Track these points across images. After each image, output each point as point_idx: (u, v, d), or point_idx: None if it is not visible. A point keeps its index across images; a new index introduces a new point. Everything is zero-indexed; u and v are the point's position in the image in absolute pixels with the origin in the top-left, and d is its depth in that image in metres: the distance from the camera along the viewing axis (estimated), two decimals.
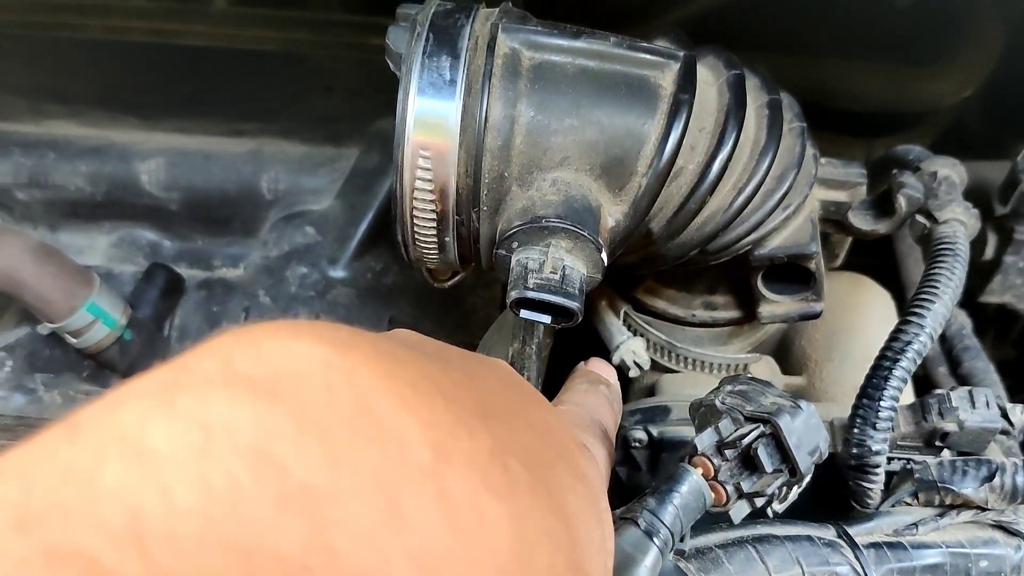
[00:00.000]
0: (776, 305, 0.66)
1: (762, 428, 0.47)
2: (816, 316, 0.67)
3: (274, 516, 0.23)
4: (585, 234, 0.52)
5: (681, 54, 0.55)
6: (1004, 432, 0.60)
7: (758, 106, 0.59)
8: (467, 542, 0.26)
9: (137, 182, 1.11)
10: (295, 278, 1.12)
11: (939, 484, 0.56)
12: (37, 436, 0.23)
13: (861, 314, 0.76)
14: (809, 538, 0.55)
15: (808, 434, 0.47)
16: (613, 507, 0.51)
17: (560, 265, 0.52)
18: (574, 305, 0.52)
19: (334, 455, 0.24)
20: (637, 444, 0.68)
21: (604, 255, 0.53)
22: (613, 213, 0.55)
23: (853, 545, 0.55)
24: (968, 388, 0.59)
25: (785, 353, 0.77)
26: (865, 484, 0.57)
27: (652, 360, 0.72)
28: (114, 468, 0.22)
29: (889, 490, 0.58)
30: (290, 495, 0.23)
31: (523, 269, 0.52)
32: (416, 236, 0.55)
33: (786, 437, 0.47)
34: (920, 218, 0.66)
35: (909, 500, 0.58)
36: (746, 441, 0.47)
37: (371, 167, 1.10)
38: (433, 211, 0.53)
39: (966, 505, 0.57)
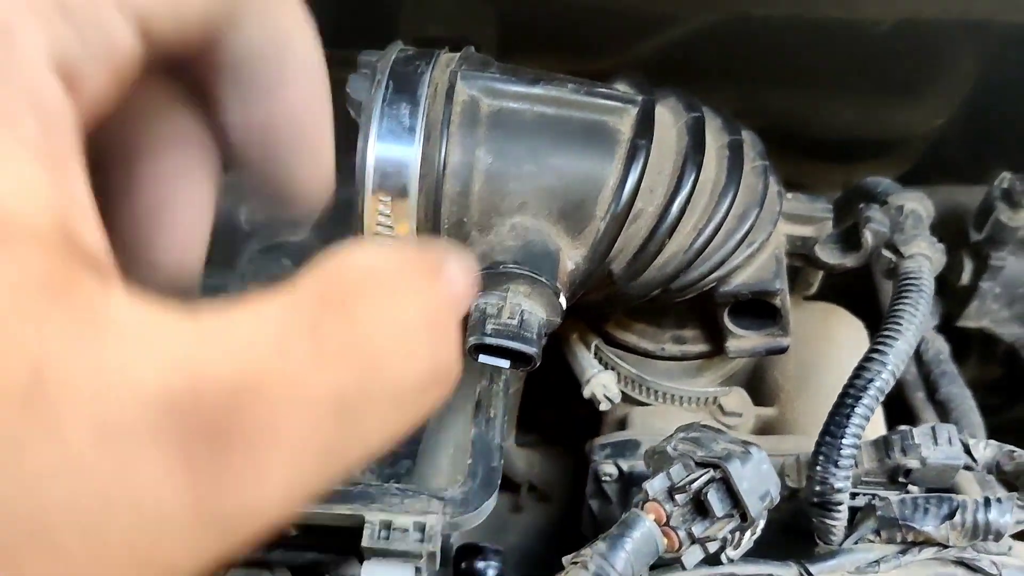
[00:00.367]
0: (743, 340, 0.67)
1: (712, 473, 0.48)
2: (783, 351, 0.68)
3: None
4: (543, 279, 0.53)
5: (640, 99, 0.56)
6: (967, 467, 0.60)
7: (719, 147, 0.60)
8: None
9: None
10: None
11: (900, 521, 0.57)
12: None
13: (834, 345, 0.77)
14: None
15: (759, 479, 0.48)
16: (577, 547, 0.51)
17: (518, 311, 0.53)
18: (531, 351, 0.52)
19: None
20: (607, 478, 0.68)
21: (563, 299, 0.54)
22: (572, 256, 0.56)
23: None
24: (931, 425, 0.60)
25: (758, 384, 0.77)
26: (828, 521, 0.57)
27: (623, 393, 0.73)
28: None
29: (852, 527, 0.58)
30: None
31: (481, 315, 0.53)
32: None
33: (736, 482, 0.47)
34: (886, 252, 0.66)
35: (872, 537, 0.58)
36: (696, 486, 0.48)
37: (348, 199, 1.10)
38: None
39: (928, 542, 0.57)
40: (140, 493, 0.20)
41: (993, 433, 0.69)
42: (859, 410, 0.57)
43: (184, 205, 0.33)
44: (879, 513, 0.57)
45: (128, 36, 0.26)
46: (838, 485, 0.56)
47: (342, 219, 1.13)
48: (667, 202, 0.56)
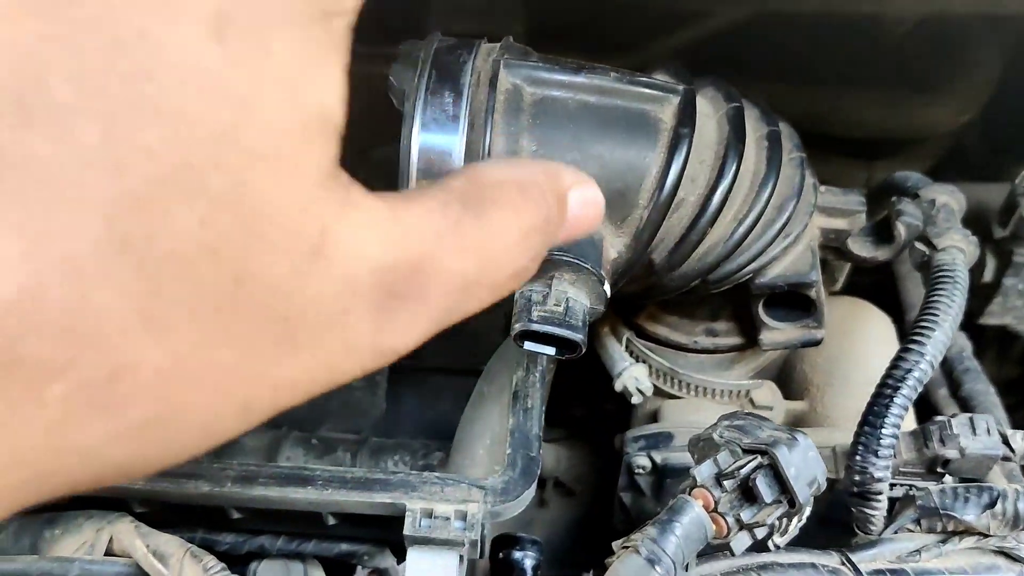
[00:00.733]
0: (777, 332, 0.67)
1: (760, 459, 0.48)
2: (817, 343, 0.68)
3: None
4: (588, 267, 0.53)
5: (681, 88, 0.56)
6: (1005, 458, 0.60)
7: (758, 137, 0.60)
8: None
9: None
10: None
11: (941, 511, 0.57)
12: None
13: (862, 339, 0.77)
14: (813, 566, 0.55)
15: (806, 465, 0.48)
16: (617, 536, 0.51)
17: (563, 298, 0.53)
18: (578, 337, 0.52)
19: None
20: (641, 471, 0.68)
21: (607, 287, 0.54)
22: (615, 245, 0.56)
23: (857, 572, 0.55)
24: (969, 415, 0.60)
25: (787, 378, 0.78)
26: (868, 511, 0.57)
27: (655, 386, 0.73)
28: None
29: (892, 517, 0.58)
30: None
31: (527, 302, 0.53)
32: None
33: (784, 468, 0.47)
34: (919, 245, 0.67)
35: (911, 527, 0.58)
36: (744, 472, 0.48)
37: (392, 187, 1.11)
38: None
39: (968, 531, 0.57)
40: (351, 325, 0.32)
41: None
42: (898, 400, 0.57)
43: None
44: (919, 503, 0.57)
45: None
46: (878, 475, 0.56)
47: None
48: (709, 191, 0.56)
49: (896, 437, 0.57)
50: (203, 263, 0.27)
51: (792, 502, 0.49)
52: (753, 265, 0.61)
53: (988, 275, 0.88)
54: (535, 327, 0.52)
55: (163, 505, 0.59)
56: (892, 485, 0.59)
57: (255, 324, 0.29)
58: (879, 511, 0.57)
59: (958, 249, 0.65)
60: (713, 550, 0.50)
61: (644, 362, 0.73)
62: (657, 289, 0.62)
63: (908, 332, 0.60)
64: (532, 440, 0.59)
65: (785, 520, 0.50)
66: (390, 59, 0.60)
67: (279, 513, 0.58)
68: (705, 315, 0.71)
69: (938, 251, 0.65)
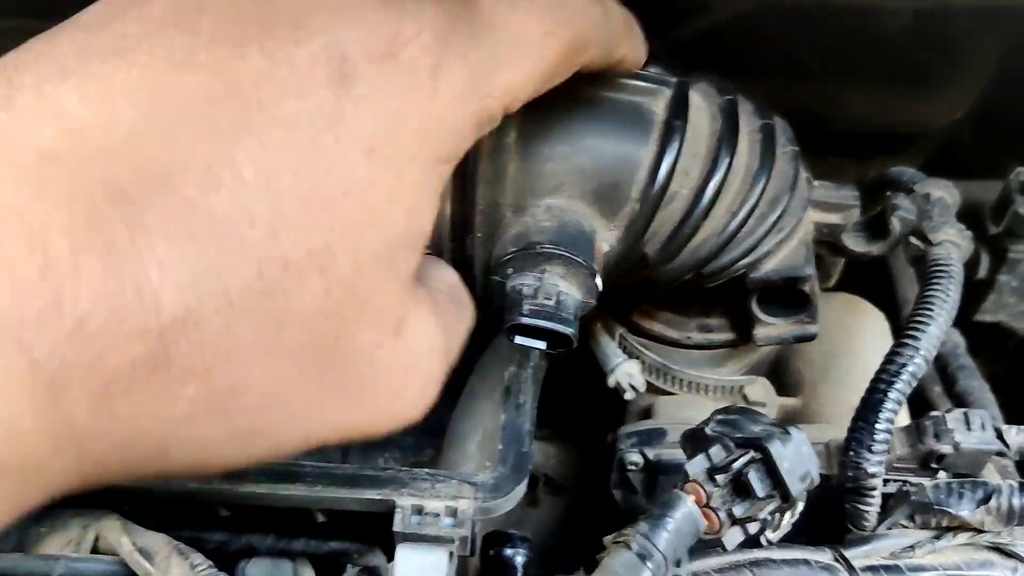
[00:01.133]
0: (771, 327, 0.67)
1: (753, 454, 0.48)
2: (811, 338, 0.67)
3: None
4: (579, 260, 0.53)
5: (673, 80, 0.56)
6: (1000, 454, 0.60)
7: (751, 131, 0.60)
8: None
9: None
10: None
11: (935, 506, 0.56)
12: None
13: (856, 335, 0.77)
14: (806, 562, 0.55)
15: (799, 460, 0.48)
16: (609, 533, 0.51)
17: (555, 291, 0.52)
18: (569, 331, 0.52)
19: None
20: (633, 467, 0.68)
21: (598, 280, 0.54)
22: (607, 238, 0.55)
23: (850, 568, 0.55)
24: (964, 410, 0.59)
25: (781, 375, 0.77)
26: (861, 507, 0.57)
27: (648, 382, 0.72)
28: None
29: (885, 512, 0.58)
30: None
31: (517, 295, 0.52)
32: None
33: (777, 462, 0.47)
34: (914, 240, 0.66)
35: (905, 522, 0.58)
36: (737, 466, 0.47)
37: None
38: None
39: (963, 527, 0.57)
40: (403, 394, 0.42)
41: None
42: (892, 395, 0.57)
43: None
44: (913, 498, 0.57)
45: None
46: (872, 470, 0.56)
47: None
48: (702, 184, 0.56)
49: (890, 432, 0.56)
50: (318, 320, 0.36)
51: (785, 496, 0.48)
52: (747, 259, 0.61)
53: (982, 272, 0.88)
54: (525, 321, 0.51)
55: (151, 503, 0.58)
56: (886, 481, 0.58)
57: (340, 377, 0.38)
58: (873, 507, 0.57)
59: (953, 244, 0.65)
60: (705, 545, 0.50)
61: (637, 358, 0.73)
62: (650, 283, 0.61)
63: (902, 327, 0.60)
64: (524, 436, 0.59)
65: (778, 515, 0.50)
66: None
67: (268, 510, 0.57)
68: (698, 311, 0.70)
69: (933, 246, 0.65)
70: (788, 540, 0.55)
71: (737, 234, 0.59)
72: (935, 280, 0.61)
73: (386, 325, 0.39)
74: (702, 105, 0.59)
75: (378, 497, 0.55)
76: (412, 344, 0.40)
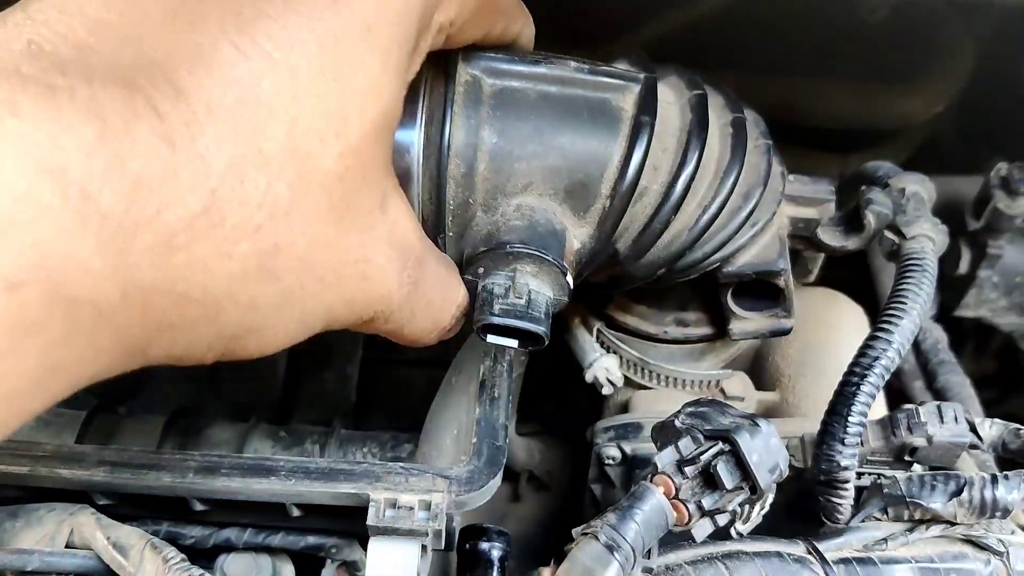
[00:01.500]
0: (746, 322, 0.67)
1: (721, 445, 0.48)
2: (786, 332, 0.67)
3: None
4: (550, 258, 0.53)
5: (642, 76, 0.56)
6: (973, 446, 0.60)
7: (722, 125, 0.60)
8: None
9: None
10: None
11: (908, 499, 0.57)
12: None
13: (834, 330, 0.77)
14: (779, 554, 0.55)
15: (768, 452, 0.48)
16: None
17: (526, 290, 0.52)
18: (540, 330, 0.52)
19: None
20: (611, 461, 0.68)
21: (570, 278, 0.54)
22: (578, 235, 0.56)
23: (823, 561, 0.55)
24: (937, 403, 0.60)
25: (759, 369, 0.77)
26: (834, 499, 0.57)
27: (625, 377, 0.73)
28: None
29: (859, 505, 0.58)
30: None
31: (489, 295, 0.52)
32: None
33: (745, 454, 0.47)
34: (889, 234, 0.67)
35: (879, 515, 0.58)
36: (705, 458, 0.48)
37: None
38: None
39: (935, 520, 0.57)
40: (389, 275, 0.46)
41: None
42: (865, 388, 0.57)
43: None
44: (886, 491, 0.57)
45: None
46: (844, 463, 0.56)
47: None
48: (672, 180, 0.56)
49: (863, 425, 0.57)
50: (335, 183, 0.40)
51: (754, 488, 0.48)
52: (720, 253, 0.61)
53: (963, 267, 0.88)
54: (496, 320, 0.52)
55: (126, 497, 0.58)
56: (860, 474, 0.59)
57: (349, 242, 0.42)
58: (846, 500, 0.57)
59: (927, 237, 0.65)
60: (675, 537, 0.50)
61: (615, 353, 0.73)
62: (623, 278, 0.61)
63: (876, 320, 0.60)
64: (498, 430, 0.59)
65: (747, 507, 0.50)
66: None
67: (244, 505, 0.57)
68: (675, 305, 0.71)
69: (907, 240, 0.65)
70: (763, 533, 0.55)
71: (709, 228, 0.59)
72: (908, 274, 0.61)
73: (376, 195, 0.44)
74: (671, 99, 0.59)
75: (352, 491, 0.55)
76: (392, 223, 0.45)
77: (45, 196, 0.31)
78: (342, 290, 0.43)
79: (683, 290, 0.69)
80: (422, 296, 0.49)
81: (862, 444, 0.58)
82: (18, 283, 0.30)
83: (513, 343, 0.53)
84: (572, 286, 0.55)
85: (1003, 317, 0.92)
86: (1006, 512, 0.56)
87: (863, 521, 0.58)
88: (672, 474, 0.48)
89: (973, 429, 0.60)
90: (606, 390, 0.71)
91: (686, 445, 0.49)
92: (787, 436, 0.61)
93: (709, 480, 0.48)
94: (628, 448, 0.67)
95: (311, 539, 0.61)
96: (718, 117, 0.60)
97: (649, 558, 0.51)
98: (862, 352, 0.58)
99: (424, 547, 0.54)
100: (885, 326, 0.58)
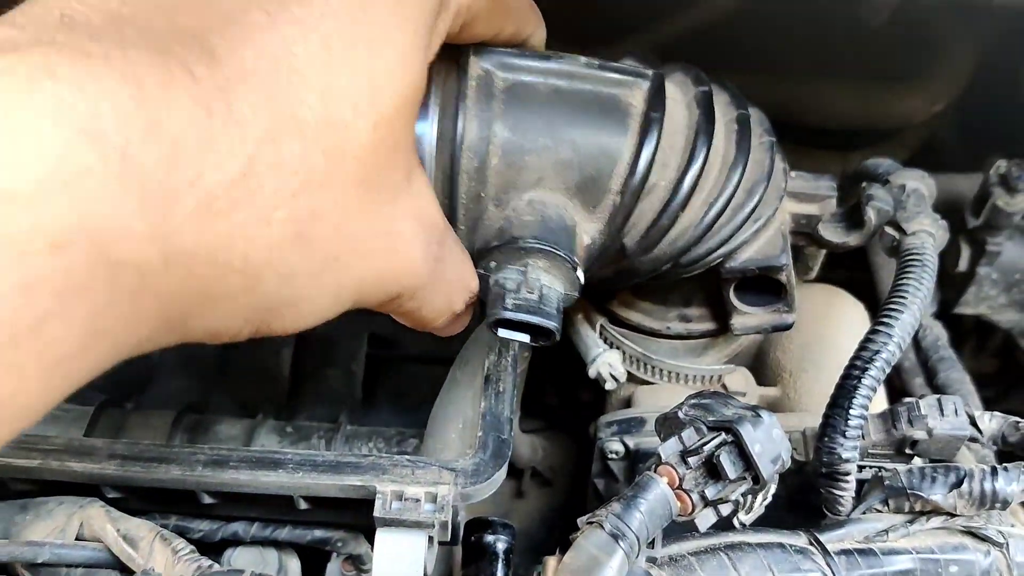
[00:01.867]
0: (748, 317, 0.67)
1: (724, 436, 0.48)
2: (788, 327, 0.68)
3: None
4: (561, 253, 0.53)
5: (650, 73, 0.56)
6: (973, 439, 0.61)
7: (727, 121, 0.61)
8: None
9: None
10: None
11: (908, 491, 0.57)
12: None
13: (835, 326, 0.77)
14: (781, 545, 0.56)
15: (770, 443, 0.49)
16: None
17: (537, 285, 0.53)
18: (552, 325, 0.52)
19: None
20: (614, 455, 0.69)
21: (580, 273, 0.54)
22: (588, 231, 0.56)
23: (824, 552, 0.56)
24: (937, 396, 0.60)
25: (760, 364, 0.78)
26: (836, 492, 0.58)
27: (628, 372, 0.73)
28: None
29: (860, 497, 0.59)
30: None
31: (501, 289, 0.53)
32: None
33: (748, 444, 0.48)
34: (889, 230, 0.67)
35: (880, 507, 0.58)
36: (709, 448, 0.48)
37: None
38: None
39: (935, 511, 0.57)
40: (417, 248, 0.47)
41: None
42: (866, 381, 0.57)
43: None
44: (887, 483, 0.58)
45: None
46: (846, 455, 0.57)
47: None
48: (680, 175, 0.57)
49: (864, 418, 0.57)
50: (368, 154, 0.40)
51: (756, 479, 0.49)
52: (724, 248, 0.62)
53: (962, 264, 0.89)
54: (509, 315, 0.52)
55: (135, 491, 0.59)
56: (861, 467, 0.59)
57: (379, 215, 0.43)
58: (847, 492, 0.57)
59: (927, 233, 0.66)
60: (679, 527, 0.51)
61: (618, 348, 0.73)
62: (630, 273, 0.62)
63: (877, 315, 0.60)
64: (503, 423, 0.59)
65: (750, 497, 0.50)
66: None
67: (251, 498, 0.58)
68: (678, 301, 0.71)
69: (907, 235, 0.66)
70: (766, 525, 0.56)
71: (714, 224, 0.59)
72: (908, 269, 0.62)
73: (404, 170, 0.45)
74: (678, 96, 0.59)
75: (359, 483, 0.56)
76: (418, 201, 0.46)
77: (85, 158, 0.31)
78: (374, 261, 0.44)
79: (686, 286, 0.69)
80: (442, 275, 0.49)
81: (863, 437, 0.59)
82: (64, 243, 0.30)
83: (524, 337, 0.54)
84: (583, 281, 0.55)
85: (1002, 314, 0.92)
86: (1005, 504, 0.56)
87: (864, 513, 0.58)
88: (676, 464, 0.49)
89: (973, 422, 0.60)
90: (609, 385, 0.72)
91: (689, 436, 0.50)
92: (789, 430, 0.61)
93: (712, 470, 0.49)
94: (631, 442, 0.68)
95: (317, 532, 0.62)
96: (723, 114, 0.61)
97: (653, 547, 0.51)
98: (863, 346, 0.59)
99: (431, 538, 0.54)
100: (885, 320, 0.59)
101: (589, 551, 0.46)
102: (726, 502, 0.49)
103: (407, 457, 0.57)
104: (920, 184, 0.68)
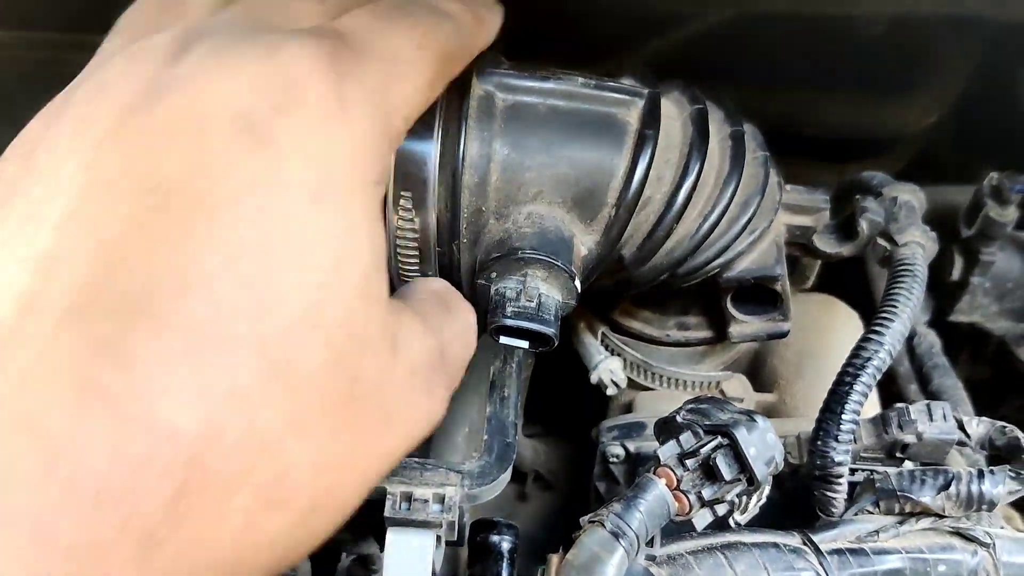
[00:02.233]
0: (745, 325, 0.70)
1: (720, 440, 0.51)
2: (783, 335, 0.70)
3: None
4: (559, 264, 0.56)
5: (646, 91, 0.59)
6: (961, 443, 0.63)
7: (721, 138, 0.63)
8: None
9: None
10: None
11: (899, 493, 0.59)
12: None
13: (831, 334, 0.79)
14: (775, 545, 0.58)
15: (764, 446, 0.51)
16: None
17: (536, 294, 0.55)
18: (550, 331, 0.55)
19: None
20: (615, 459, 0.71)
21: (577, 282, 0.57)
22: (585, 242, 0.59)
23: (817, 551, 0.58)
24: (927, 402, 0.62)
25: (757, 371, 0.80)
26: (829, 494, 0.60)
27: (629, 379, 0.75)
28: None
29: (852, 499, 0.61)
30: None
31: (501, 298, 0.55)
32: (400, 270, 0.58)
33: (743, 447, 0.50)
34: (881, 241, 0.69)
35: (871, 509, 0.60)
36: (705, 451, 0.50)
37: None
38: (416, 247, 0.57)
39: (925, 513, 0.59)
40: (417, 401, 0.44)
41: None
42: (858, 387, 0.59)
43: None
44: (878, 486, 0.60)
45: None
46: (838, 459, 0.59)
47: None
48: (674, 189, 0.59)
49: (856, 423, 0.59)
50: (329, 373, 0.36)
51: (751, 480, 0.51)
52: (720, 260, 0.64)
53: (956, 274, 0.91)
54: (509, 322, 0.54)
55: None
56: (853, 470, 0.61)
57: (365, 412, 0.38)
58: (840, 494, 0.60)
59: (918, 244, 0.68)
60: (677, 527, 0.53)
61: (619, 355, 0.76)
62: (628, 283, 0.64)
63: (869, 323, 0.63)
64: (508, 427, 0.62)
65: (745, 498, 0.53)
66: None
67: None
68: (677, 310, 0.74)
69: (899, 247, 0.68)
70: (761, 527, 0.58)
71: (709, 235, 0.62)
72: (899, 279, 0.64)
73: (384, 349, 0.40)
74: (673, 114, 0.62)
75: None
76: (408, 353, 0.42)
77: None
78: (370, 478, 0.41)
79: (684, 296, 0.71)
80: (450, 369, 0.48)
81: (855, 441, 0.61)
82: None
83: (524, 344, 0.56)
84: (580, 290, 0.58)
85: (995, 322, 0.94)
86: (992, 505, 0.58)
87: (856, 514, 0.60)
88: (674, 466, 0.51)
89: (961, 427, 0.62)
90: (610, 391, 0.74)
91: (687, 439, 0.52)
92: (784, 435, 0.63)
93: (709, 472, 0.51)
94: (632, 446, 0.70)
95: None
96: (718, 130, 0.63)
97: (652, 545, 0.54)
98: (855, 354, 0.61)
99: (438, 538, 0.57)
100: (877, 329, 0.61)
101: (591, 548, 0.48)
102: (722, 503, 0.51)
103: (415, 460, 0.59)
104: (911, 197, 0.71)
